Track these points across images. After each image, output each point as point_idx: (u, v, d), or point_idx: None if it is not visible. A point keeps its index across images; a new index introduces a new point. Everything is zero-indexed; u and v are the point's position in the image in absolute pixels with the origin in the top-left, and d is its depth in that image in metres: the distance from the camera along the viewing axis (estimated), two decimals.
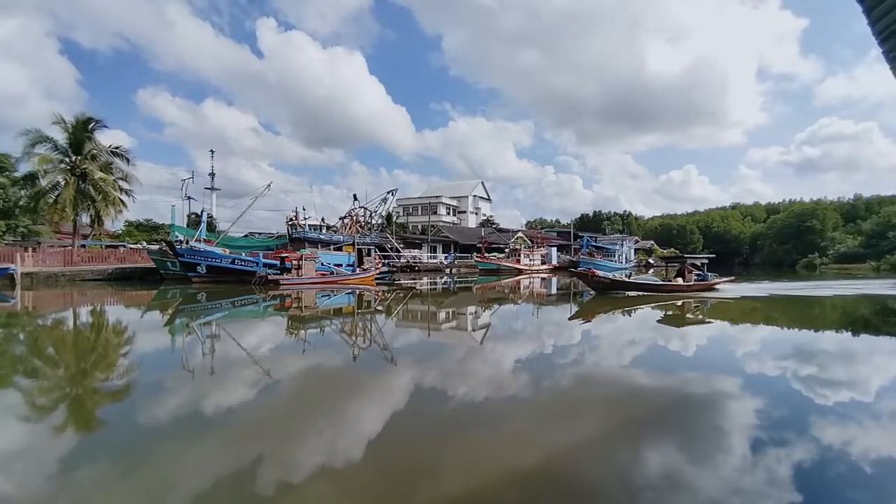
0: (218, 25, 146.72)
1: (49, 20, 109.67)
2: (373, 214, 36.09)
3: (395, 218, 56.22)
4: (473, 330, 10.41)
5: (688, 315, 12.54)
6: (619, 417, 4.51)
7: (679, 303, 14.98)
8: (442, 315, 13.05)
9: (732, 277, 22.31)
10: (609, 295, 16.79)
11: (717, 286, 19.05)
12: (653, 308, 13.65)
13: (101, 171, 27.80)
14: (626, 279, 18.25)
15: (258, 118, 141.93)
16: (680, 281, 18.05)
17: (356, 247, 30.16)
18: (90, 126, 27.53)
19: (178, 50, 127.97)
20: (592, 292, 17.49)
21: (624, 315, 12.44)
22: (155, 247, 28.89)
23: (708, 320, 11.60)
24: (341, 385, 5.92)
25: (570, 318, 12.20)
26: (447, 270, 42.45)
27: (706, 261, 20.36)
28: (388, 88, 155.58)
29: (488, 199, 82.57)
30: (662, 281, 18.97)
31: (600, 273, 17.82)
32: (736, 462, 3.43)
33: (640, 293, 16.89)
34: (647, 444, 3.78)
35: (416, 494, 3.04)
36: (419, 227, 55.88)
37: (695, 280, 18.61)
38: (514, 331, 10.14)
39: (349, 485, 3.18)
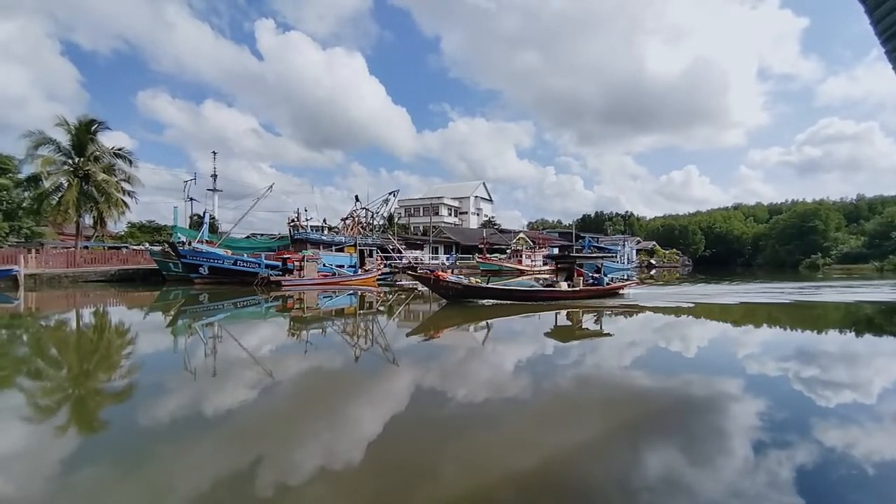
0: (217, 27, 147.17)
1: (48, 21, 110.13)
2: (374, 215, 36.11)
3: (396, 219, 56.26)
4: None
5: (576, 329, 10.81)
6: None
7: (564, 313, 12.94)
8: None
9: (637, 280, 20.78)
10: (467, 304, 13.98)
11: (620, 291, 16.97)
12: (523, 317, 11.98)
13: (103, 172, 27.89)
14: (491, 286, 14.76)
15: (258, 119, 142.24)
16: (564, 286, 15.27)
17: (358, 248, 30.18)
18: (93, 128, 27.62)
19: (177, 51, 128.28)
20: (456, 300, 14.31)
21: (477, 331, 10.20)
22: (157, 248, 28.97)
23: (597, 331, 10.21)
24: (343, 386, 5.93)
25: (408, 335, 9.61)
26: (449, 272, 42.37)
27: (601, 261, 18.50)
28: (388, 89, 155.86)
29: (490, 200, 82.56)
30: (541, 286, 15.83)
31: (451, 278, 14.70)
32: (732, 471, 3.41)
33: (508, 302, 14.18)
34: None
35: (415, 495, 3.04)
36: (421, 228, 55.89)
37: (588, 284, 16.15)
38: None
39: (350, 485, 3.18)
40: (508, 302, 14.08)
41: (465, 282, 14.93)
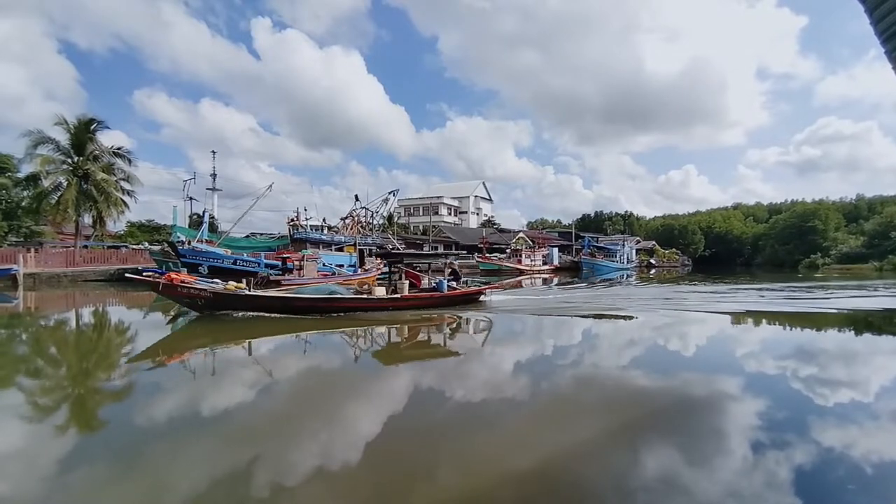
0: (214, 26, 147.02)
1: (45, 21, 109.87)
2: (374, 215, 36.13)
3: (396, 218, 56.25)
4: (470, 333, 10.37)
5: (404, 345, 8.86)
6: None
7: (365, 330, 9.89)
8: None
9: (499, 284, 18.12)
10: (226, 317, 10.56)
11: (479, 297, 14.00)
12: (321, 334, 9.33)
13: (102, 171, 27.87)
14: (258, 293, 11.14)
15: (256, 118, 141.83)
16: (380, 292, 12.01)
17: (357, 247, 30.17)
18: (92, 127, 27.60)
19: (174, 51, 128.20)
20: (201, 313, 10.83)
21: (208, 354, 7.66)
22: (157, 247, 28.94)
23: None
24: (342, 386, 5.93)
25: (128, 362, 7.23)
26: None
27: (453, 261, 15.37)
28: (386, 89, 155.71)
29: (489, 200, 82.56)
30: (349, 293, 12.51)
31: (199, 283, 10.71)
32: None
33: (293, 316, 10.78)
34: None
35: (415, 495, 3.03)
36: (420, 228, 55.90)
37: (425, 289, 13.05)
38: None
39: (349, 486, 3.18)
40: (293, 316, 10.76)
41: (216, 287, 10.59)
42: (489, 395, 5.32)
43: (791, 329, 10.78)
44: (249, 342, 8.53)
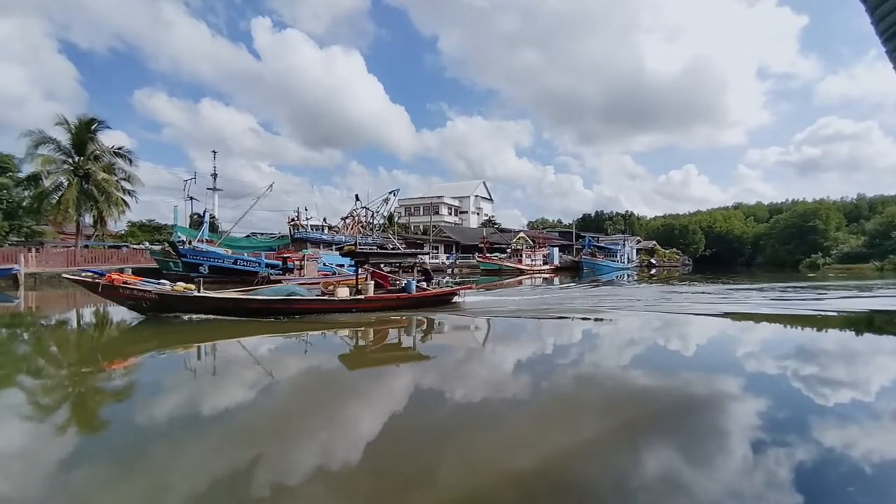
0: (214, 25, 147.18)
1: (45, 20, 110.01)
2: (374, 215, 36.20)
3: (396, 218, 56.25)
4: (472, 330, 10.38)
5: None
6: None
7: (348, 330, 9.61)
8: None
9: (472, 285, 17.31)
10: (176, 320, 9.96)
11: (453, 299, 13.37)
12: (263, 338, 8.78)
13: (103, 171, 27.89)
14: (207, 294, 10.36)
15: (257, 118, 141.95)
16: (343, 293, 11.29)
17: (358, 247, 30.19)
18: (93, 127, 27.61)
19: (174, 50, 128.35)
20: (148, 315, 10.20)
21: (153, 358, 7.36)
22: (157, 247, 28.99)
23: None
24: (342, 386, 5.93)
25: (67, 368, 6.93)
26: (449, 271, 42.46)
27: (423, 260, 14.40)
28: (386, 88, 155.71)
29: (490, 200, 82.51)
30: (310, 295, 11.47)
31: (145, 285, 9.96)
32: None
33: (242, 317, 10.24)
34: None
35: (415, 495, 3.04)
36: (421, 228, 55.88)
37: (392, 290, 12.53)
38: None
39: (349, 486, 3.18)
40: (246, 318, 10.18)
41: (162, 289, 9.92)
42: (439, 403, 5.08)
43: (768, 331, 10.29)
44: (199, 346, 8.13)
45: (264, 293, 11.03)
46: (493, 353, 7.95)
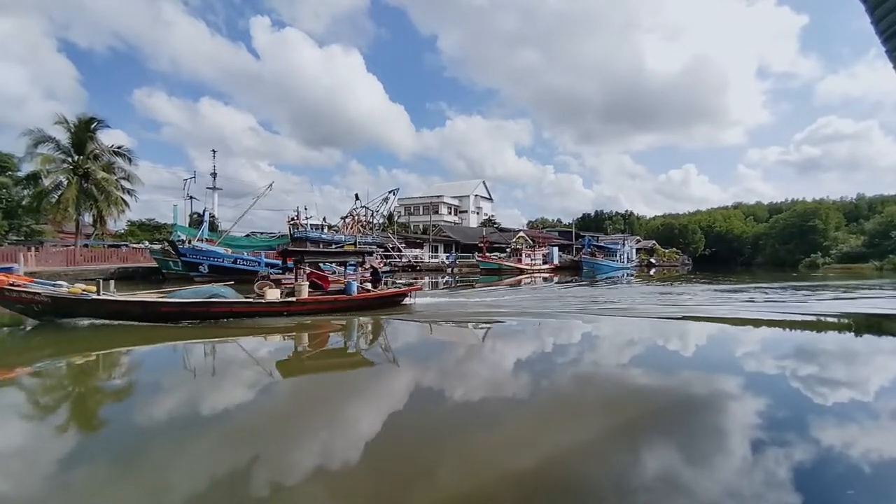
0: (214, 24, 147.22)
1: (44, 20, 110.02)
2: (374, 214, 36.06)
3: (396, 217, 56.26)
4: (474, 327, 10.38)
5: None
6: None
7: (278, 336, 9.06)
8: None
9: (420, 286, 16.27)
10: (68, 325, 9.03)
11: (401, 298, 12.81)
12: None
13: (103, 170, 27.88)
14: (110, 297, 9.23)
15: (256, 117, 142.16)
16: (272, 296, 10.42)
17: (358, 246, 30.18)
18: (92, 126, 27.58)
19: (173, 50, 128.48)
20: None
21: (47, 368, 6.61)
22: (157, 246, 28.98)
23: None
24: (343, 385, 5.93)
25: None
26: (449, 270, 42.46)
27: (370, 259, 13.29)
28: (386, 87, 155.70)
29: (490, 199, 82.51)
30: (238, 297, 10.47)
31: (36, 287, 9.10)
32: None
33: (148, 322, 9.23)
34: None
35: (415, 495, 3.04)
36: (421, 227, 55.89)
37: (331, 292, 11.67)
38: None
39: (349, 485, 3.18)
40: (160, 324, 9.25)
41: (55, 291, 8.97)
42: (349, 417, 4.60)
43: (728, 335, 9.72)
44: (99, 354, 7.45)
45: (182, 295, 10.08)
46: (411, 360, 7.29)
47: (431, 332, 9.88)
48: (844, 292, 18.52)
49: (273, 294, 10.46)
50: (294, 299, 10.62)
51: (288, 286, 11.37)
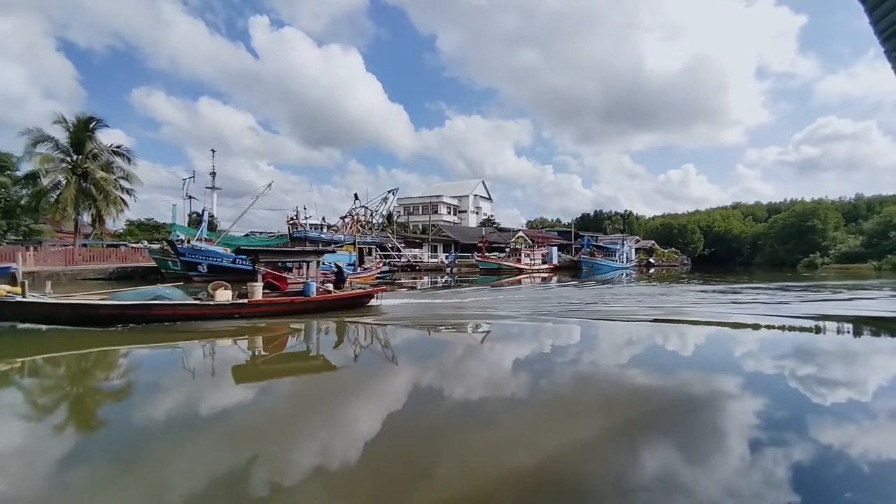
0: (213, 24, 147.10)
1: (44, 19, 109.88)
2: (374, 214, 36.16)
3: (395, 217, 56.28)
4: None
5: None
6: None
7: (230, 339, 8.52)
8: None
9: (387, 287, 15.51)
10: (12, 330, 8.39)
11: (366, 299, 12.39)
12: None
13: (102, 170, 27.84)
14: (36, 299, 8.51)
15: (255, 117, 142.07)
16: (223, 297, 9.86)
17: (357, 246, 30.17)
18: (91, 125, 27.54)
19: (172, 49, 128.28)
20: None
21: None
22: (156, 246, 28.97)
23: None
24: (342, 385, 5.93)
25: None
26: (448, 270, 42.47)
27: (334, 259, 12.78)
28: (385, 87, 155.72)
29: (489, 199, 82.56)
30: (187, 300, 9.87)
31: None
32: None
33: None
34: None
35: (415, 495, 3.04)
36: (420, 227, 55.90)
37: (288, 293, 11.18)
38: None
39: (349, 485, 3.18)
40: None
41: None
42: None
43: (699, 337, 9.25)
44: (24, 361, 6.86)
45: (124, 296, 9.47)
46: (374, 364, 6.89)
47: (379, 336, 9.15)
48: (833, 293, 18.52)
49: (224, 295, 9.89)
50: (246, 301, 10.01)
51: (244, 289, 10.68)
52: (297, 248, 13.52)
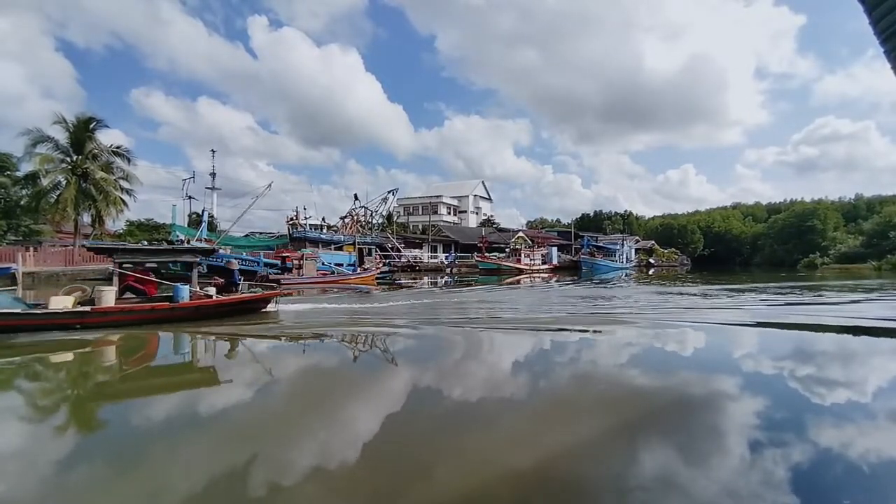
0: (211, 24, 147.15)
1: (42, 19, 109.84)
2: (373, 214, 36.17)
3: (395, 217, 56.26)
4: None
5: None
6: None
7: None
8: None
9: (289, 291, 14.39)
10: None
11: (262, 304, 11.40)
12: None
13: (102, 170, 27.87)
14: None
15: (255, 117, 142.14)
16: (58, 304, 8.47)
17: (357, 246, 30.17)
18: (91, 125, 27.56)
19: (171, 49, 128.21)
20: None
21: None
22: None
23: None
24: (342, 385, 5.92)
25: None
26: (448, 270, 42.47)
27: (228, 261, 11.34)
28: (384, 87, 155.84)
29: (489, 199, 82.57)
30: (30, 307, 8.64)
31: None
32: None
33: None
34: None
35: (415, 495, 3.04)
36: (420, 227, 55.89)
37: (154, 298, 10.04)
38: None
39: (349, 485, 3.18)
40: None
41: None
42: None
43: (696, 340, 8.69)
44: None
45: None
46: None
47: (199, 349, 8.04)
48: (828, 293, 18.30)
49: (60, 302, 8.47)
50: (89, 309, 8.63)
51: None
52: (164, 248, 11.77)
